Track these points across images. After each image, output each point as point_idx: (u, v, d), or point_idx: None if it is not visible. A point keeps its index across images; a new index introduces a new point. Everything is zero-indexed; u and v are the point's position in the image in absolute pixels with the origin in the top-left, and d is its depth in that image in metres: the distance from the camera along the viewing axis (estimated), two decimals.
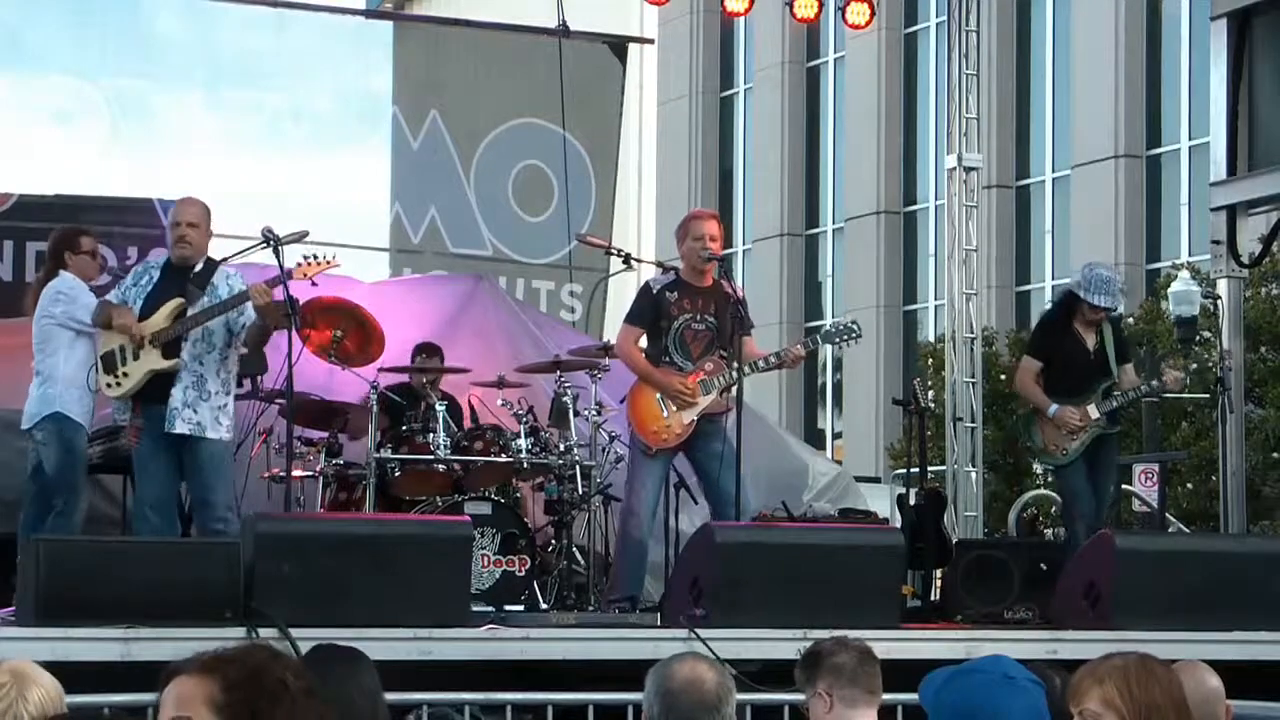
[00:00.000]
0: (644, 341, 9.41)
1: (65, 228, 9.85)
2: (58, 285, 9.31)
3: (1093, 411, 10.05)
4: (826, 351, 32.98)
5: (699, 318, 9.26)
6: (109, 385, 8.90)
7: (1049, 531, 21.72)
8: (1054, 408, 10.04)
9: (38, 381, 9.24)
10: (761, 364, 9.27)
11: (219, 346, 8.90)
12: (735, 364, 9.13)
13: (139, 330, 8.81)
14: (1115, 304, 10.26)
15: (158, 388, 8.77)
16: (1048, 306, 10.64)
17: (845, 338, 9.75)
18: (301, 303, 9.05)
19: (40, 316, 9.29)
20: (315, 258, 9.06)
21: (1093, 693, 3.75)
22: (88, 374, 9.13)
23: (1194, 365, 22.72)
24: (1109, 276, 10.21)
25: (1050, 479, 21.76)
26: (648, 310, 9.31)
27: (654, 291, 9.30)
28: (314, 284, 9.18)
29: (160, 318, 8.85)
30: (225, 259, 9.16)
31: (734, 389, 9.14)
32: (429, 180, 15.26)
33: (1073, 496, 10.33)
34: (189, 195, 9.20)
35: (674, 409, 9.16)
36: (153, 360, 8.80)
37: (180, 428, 8.69)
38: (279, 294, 8.66)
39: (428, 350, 11.29)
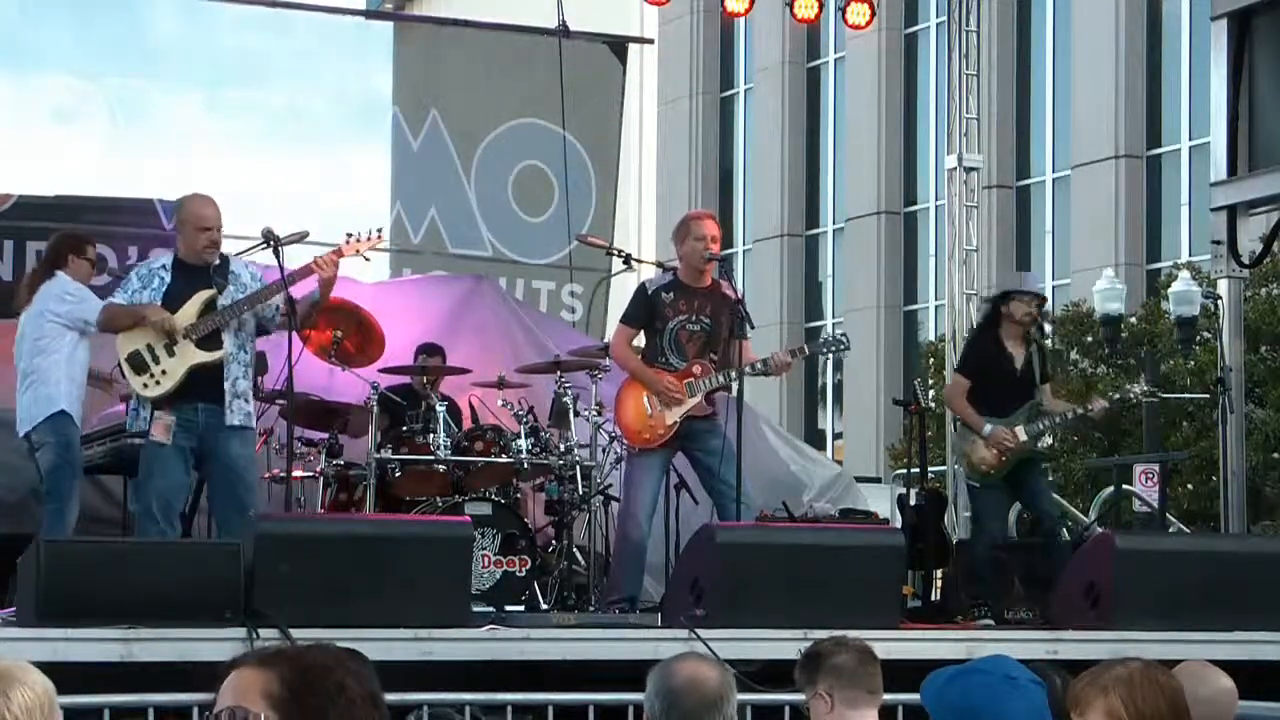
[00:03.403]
0: (640, 341, 9.42)
1: (72, 232, 9.60)
2: (64, 286, 9.00)
3: (1020, 433, 10.06)
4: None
5: (694, 319, 9.25)
6: (145, 385, 8.49)
7: None
8: (989, 427, 10.06)
9: (30, 382, 8.86)
10: (749, 370, 9.26)
11: (251, 336, 8.73)
12: (726, 367, 9.14)
13: (174, 326, 8.49)
14: (1039, 287, 10.77)
15: (195, 383, 8.52)
16: (974, 324, 11.09)
17: (834, 349, 9.90)
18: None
19: (42, 313, 8.95)
20: (363, 234, 8.93)
21: (1097, 703, 3.72)
22: (85, 379, 9.03)
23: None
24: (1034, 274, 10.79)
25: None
26: (643, 311, 9.31)
27: (649, 292, 9.29)
28: (366, 259, 9.22)
29: (190, 312, 8.56)
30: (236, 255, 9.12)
31: (720, 392, 9.17)
32: (429, 180, 15.25)
33: (982, 514, 10.40)
34: (202, 193, 8.86)
35: (658, 409, 9.16)
36: (192, 355, 8.51)
37: (237, 419, 8.52)
38: (301, 289, 8.63)
39: (430, 350, 11.29)
